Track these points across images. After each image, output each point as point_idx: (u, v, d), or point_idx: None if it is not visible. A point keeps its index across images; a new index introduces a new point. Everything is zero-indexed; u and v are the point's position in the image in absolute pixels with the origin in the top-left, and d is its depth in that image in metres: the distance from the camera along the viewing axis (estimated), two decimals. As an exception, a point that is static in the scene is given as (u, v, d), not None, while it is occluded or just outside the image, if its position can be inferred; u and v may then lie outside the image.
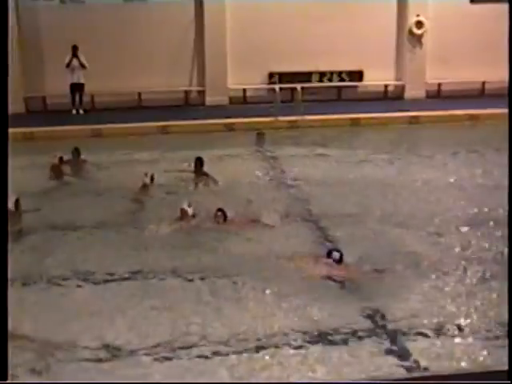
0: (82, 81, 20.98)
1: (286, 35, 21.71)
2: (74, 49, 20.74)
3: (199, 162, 14.53)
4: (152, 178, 13.71)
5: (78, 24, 21.18)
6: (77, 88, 21.08)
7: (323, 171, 15.07)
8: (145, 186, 13.59)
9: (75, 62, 20.78)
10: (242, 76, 21.98)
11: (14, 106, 20.93)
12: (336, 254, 9.53)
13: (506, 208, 6.33)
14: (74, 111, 21.09)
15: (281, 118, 19.45)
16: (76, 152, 15.38)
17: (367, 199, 12.90)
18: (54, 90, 21.13)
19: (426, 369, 7.10)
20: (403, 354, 7.41)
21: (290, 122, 19.48)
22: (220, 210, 11.45)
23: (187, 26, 22.08)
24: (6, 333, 4.65)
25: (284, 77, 22.21)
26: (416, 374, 6.61)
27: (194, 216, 11.45)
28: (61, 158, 15.06)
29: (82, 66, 20.75)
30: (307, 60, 21.97)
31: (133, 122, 19.45)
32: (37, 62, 21.26)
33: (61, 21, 21.19)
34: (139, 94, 21.91)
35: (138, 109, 21.63)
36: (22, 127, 19.01)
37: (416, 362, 7.24)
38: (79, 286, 9.43)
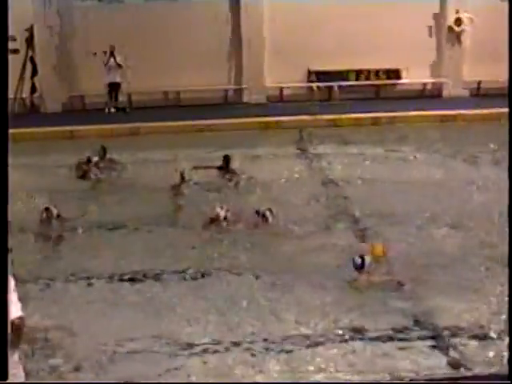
0: (117, 80, 21.10)
1: (325, 33, 21.61)
2: (111, 48, 20.88)
3: (226, 159, 14.59)
4: (183, 176, 13.78)
5: (116, 23, 21.31)
6: (113, 87, 21.20)
7: (361, 169, 15.02)
8: (178, 184, 13.66)
9: (112, 62, 20.91)
10: (280, 74, 21.92)
11: (53, 105, 21.29)
12: (357, 260, 9.27)
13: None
14: (106, 110, 21.20)
15: (319, 117, 19.39)
16: (102, 151, 15.38)
17: (407, 198, 12.83)
18: (93, 89, 21.27)
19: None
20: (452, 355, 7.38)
21: (327, 120, 19.41)
22: (258, 211, 11.47)
23: (225, 24, 22.10)
24: (6, 333, 4.66)
25: (322, 75, 22.14)
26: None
27: (225, 218, 11.33)
28: (88, 158, 15.05)
29: (119, 65, 20.86)
30: (345, 58, 21.86)
31: (171, 121, 19.51)
32: (76, 62, 21.40)
33: (100, 20, 21.31)
34: (178, 92, 21.97)
35: (176, 107, 21.70)
36: (61, 126, 19.25)
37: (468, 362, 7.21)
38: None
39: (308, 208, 12.39)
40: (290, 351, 7.65)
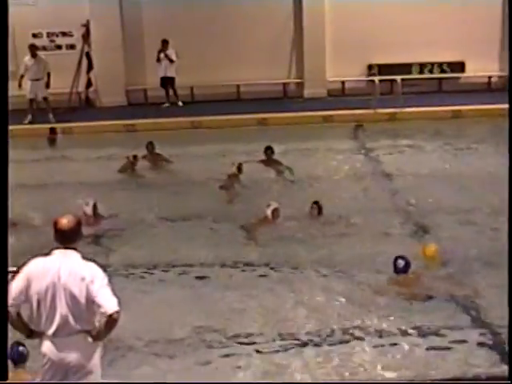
0: (169, 74, 21.10)
1: (386, 26, 21.40)
2: (163, 43, 20.93)
3: (270, 151, 14.57)
4: (240, 168, 13.79)
5: (178, 18, 21.46)
6: (167, 82, 21.27)
7: (422, 164, 14.84)
8: (232, 176, 13.69)
9: (163, 57, 20.95)
10: (340, 68, 21.79)
11: (117, 98, 21.56)
12: (400, 263, 8.82)
13: None
14: (166, 104, 21.32)
15: (380, 111, 19.21)
16: (151, 146, 15.39)
17: (468, 193, 12.64)
18: (155, 82, 21.46)
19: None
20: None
21: (389, 114, 19.22)
22: (316, 202, 11.41)
23: (286, 18, 22.07)
24: (6, 333, 4.67)
25: (383, 68, 21.94)
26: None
27: (276, 213, 11.19)
28: (134, 156, 15.05)
29: (170, 60, 20.93)
30: (407, 51, 21.60)
31: (232, 115, 19.57)
32: (138, 56, 21.62)
33: (162, 14, 21.46)
34: (238, 86, 22.04)
35: (236, 101, 21.77)
36: (124, 119, 19.50)
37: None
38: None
39: (364, 202, 12.31)
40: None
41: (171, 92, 21.38)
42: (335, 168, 15.01)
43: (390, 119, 19.02)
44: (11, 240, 10.44)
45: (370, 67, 22.31)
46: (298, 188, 13.58)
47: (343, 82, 22.28)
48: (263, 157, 14.63)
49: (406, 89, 20.21)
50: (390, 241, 10.51)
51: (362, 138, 17.47)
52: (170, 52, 20.92)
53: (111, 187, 13.82)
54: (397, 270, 8.81)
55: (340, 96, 21.97)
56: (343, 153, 16.22)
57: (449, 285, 8.90)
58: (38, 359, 5.85)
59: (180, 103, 21.34)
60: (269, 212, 11.08)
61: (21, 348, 6.69)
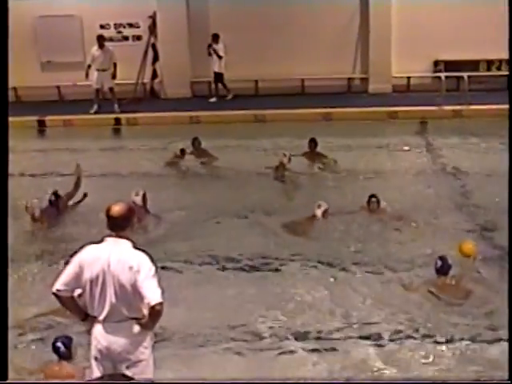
0: (216, 70, 21.13)
1: (453, 22, 21.08)
2: (213, 37, 20.91)
3: (313, 143, 14.52)
4: (289, 159, 13.75)
5: (244, 10, 21.49)
6: (216, 77, 21.32)
7: (488, 163, 14.59)
8: (280, 167, 13.69)
9: (213, 51, 20.98)
10: (406, 64, 21.54)
11: (181, 89, 21.74)
12: (438, 263, 8.50)
13: None
14: (212, 99, 21.32)
15: (445, 107, 18.98)
16: (196, 142, 15.38)
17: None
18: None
19: None
20: None
21: (454, 111, 18.97)
22: (373, 196, 11.30)
23: (352, 12, 21.94)
24: (7, 333, 4.68)
25: (450, 65, 21.65)
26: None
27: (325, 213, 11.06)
28: (182, 150, 15.13)
29: (218, 56, 20.89)
30: (475, 48, 21.25)
31: (296, 109, 19.54)
32: (204, 48, 21.73)
33: (228, 7, 21.54)
34: (302, 80, 22.00)
35: (300, 95, 21.74)
36: (188, 111, 19.65)
37: None
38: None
39: (425, 199, 12.17)
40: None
41: (220, 86, 21.37)
42: (397, 164, 14.87)
43: (456, 116, 18.77)
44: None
45: (436, 63, 22.03)
46: (354, 182, 13.52)
47: (408, 78, 22.05)
48: (307, 149, 14.66)
49: (473, 86, 19.89)
50: (449, 239, 10.36)
51: (426, 134, 17.28)
52: (219, 47, 20.88)
53: (162, 179, 14.03)
54: (436, 271, 8.54)
55: (405, 92, 21.77)
56: (406, 149, 16.08)
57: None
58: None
59: (230, 96, 21.33)
60: (319, 213, 10.96)
61: (64, 341, 6.78)
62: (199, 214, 11.78)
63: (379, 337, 7.72)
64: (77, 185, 11.65)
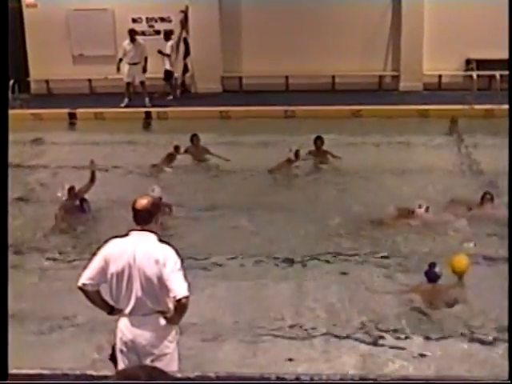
0: (167, 67, 20.89)
1: (485, 20, 20.83)
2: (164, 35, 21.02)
3: (320, 141, 14.51)
4: (297, 155, 13.82)
5: (276, 7, 21.46)
6: (165, 74, 21.13)
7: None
8: (287, 161, 13.79)
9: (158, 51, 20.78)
10: (437, 62, 21.42)
11: (212, 84, 21.78)
12: (426, 268, 8.25)
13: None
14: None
15: (476, 107, 18.82)
16: (195, 138, 15.24)
17: None
18: (251, 70, 21.58)
19: None
20: None
21: (485, 110, 18.79)
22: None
23: (384, 9, 21.85)
24: (6, 333, 4.73)
25: (482, 64, 21.46)
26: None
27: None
28: (176, 147, 14.95)
29: (165, 54, 20.78)
30: (507, 46, 20.95)
31: (326, 105, 19.49)
32: (235, 43, 21.76)
33: (260, 3, 21.55)
34: (333, 77, 21.95)
35: (331, 92, 21.71)
36: (219, 106, 19.68)
37: None
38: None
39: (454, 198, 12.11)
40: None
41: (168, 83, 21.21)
42: (427, 163, 14.84)
43: (487, 116, 18.58)
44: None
45: (467, 62, 21.87)
46: (380, 180, 13.51)
47: (440, 76, 21.93)
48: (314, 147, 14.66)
49: (505, 85, 19.70)
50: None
51: (456, 133, 17.15)
52: (167, 45, 20.74)
53: (174, 174, 14.12)
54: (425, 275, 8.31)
55: (436, 90, 21.64)
56: (436, 148, 16.03)
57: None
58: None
59: (171, 97, 20.95)
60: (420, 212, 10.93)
61: None
62: (215, 209, 12.00)
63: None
64: (92, 179, 11.75)
